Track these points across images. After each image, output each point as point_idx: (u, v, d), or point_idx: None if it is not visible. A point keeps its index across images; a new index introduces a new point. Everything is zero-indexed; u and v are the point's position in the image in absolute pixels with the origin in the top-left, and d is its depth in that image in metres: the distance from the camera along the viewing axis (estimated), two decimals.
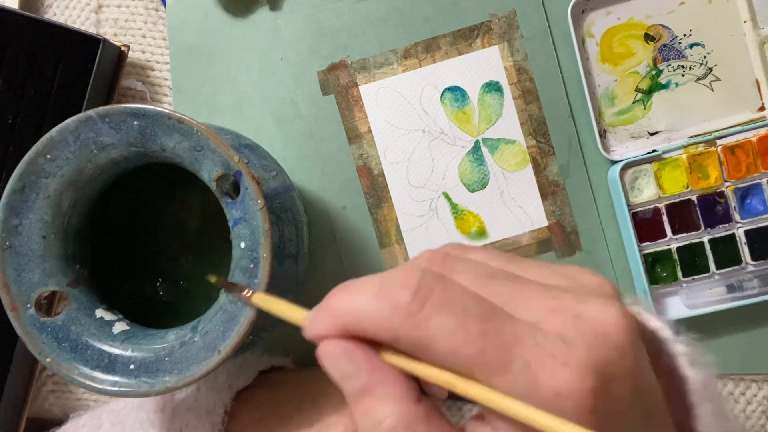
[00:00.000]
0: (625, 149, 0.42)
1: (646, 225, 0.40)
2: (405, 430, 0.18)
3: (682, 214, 0.40)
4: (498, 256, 0.21)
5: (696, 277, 0.40)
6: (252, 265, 0.26)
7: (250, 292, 0.26)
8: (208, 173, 0.27)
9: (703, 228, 0.40)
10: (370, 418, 0.19)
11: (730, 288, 0.40)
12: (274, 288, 0.31)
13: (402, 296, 0.18)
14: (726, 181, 0.40)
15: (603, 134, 0.42)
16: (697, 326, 0.31)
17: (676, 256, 0.40)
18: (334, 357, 0.21)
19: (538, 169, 0.42)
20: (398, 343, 0.18)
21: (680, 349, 0.21)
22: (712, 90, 0.41)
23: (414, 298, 0.18)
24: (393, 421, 0.18)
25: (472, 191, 0.42)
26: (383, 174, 0.42)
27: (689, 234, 0.40)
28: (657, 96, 0.42)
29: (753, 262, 0.40)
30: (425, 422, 0.18)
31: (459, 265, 0.19)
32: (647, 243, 0.40)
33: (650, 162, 0.40)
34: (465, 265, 0.19)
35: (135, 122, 0.27)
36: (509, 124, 0.42)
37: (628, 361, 0.18)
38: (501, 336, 0.17)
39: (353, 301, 0.19)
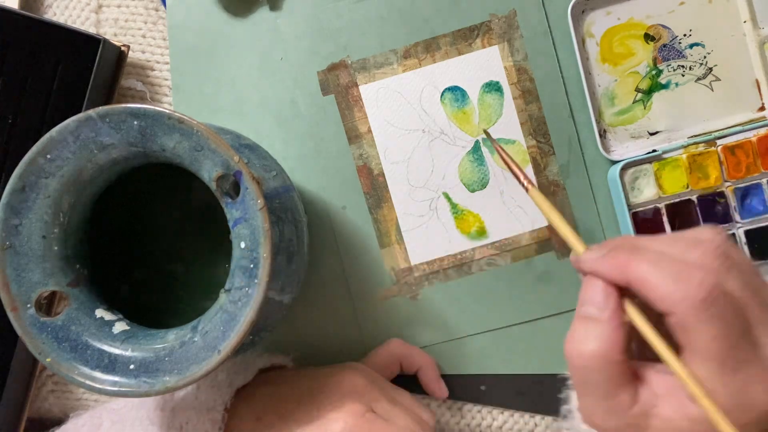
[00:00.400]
0: (625, 149, 0.42)
1: (646, 225, 0.40)
2: (599, 361, 0.24)
3: (682, 214, 0.40)
4: (756, 273, 0.25)
5: None
6: (252, 265, 0.27)
7: (529, 185, 0.32)
8: (208, 173, 0.27)
9: None
10: (582, 338, 0.24)
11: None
12: (274, 288, 0.31)
13: (698, 293, 0.22)
14: (726, 181, 0.40)
15: (603, 134, 0.42)
16: None
17: None
18: (593, 285, 0.25)
19: (538, 169, 0.42)
20: (666, 318, 0.23)
21: None
22: (712, 90, 0.41)
23: (705, 298, 0.22)
24: (594, 351, 0.24)
25: (472, 191, 0.42)
26: (383, 174, 0.42)
27: None
28: (657, 96, 0.42)
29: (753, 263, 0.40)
30: (614, 367, 0.24)
31: (735, 272, 0.24)
32: None
33: (650, 162, 0.40)
34: (738, 274, 0.24)
35: (135, 122, 0.27)
36: (509, 124, 0.42)
37: None
38: (741, 352, 0.22)
39: (651, 273, 0.23)
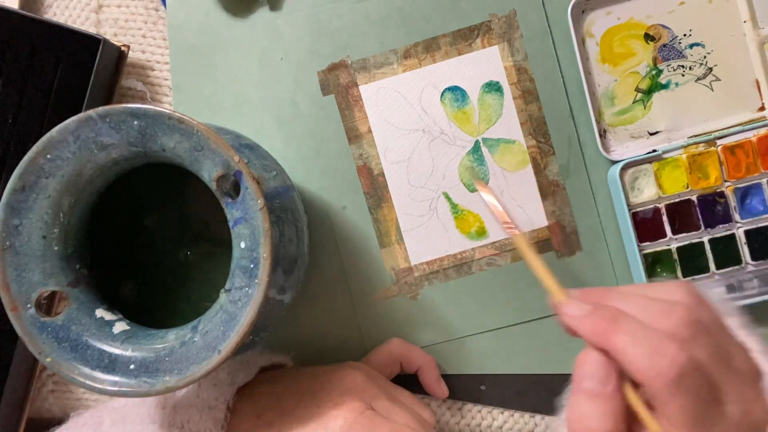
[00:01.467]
0: (625, 149, 0.42)
1: (646, 225, 0.40)
2: None
3: (682, 214, 0.40)
4: (722, 331, 0.28)
5: (696, 277, 0.40)
6: (252, 265, 0.27)
7: (517, 231, 0.36)
8: (209, 173, 0.27)
9: (703, 228, 0.40)
10: (588, 416, 0.26)
11: (730, 288, 0.40)
12: (274, 288, 0.31)
13: (670, 372, 0.25)
14: (726, 181, 0.40)
15: (603, 134, 0.42)
16: None
17: (676, 256, 0.40)
18: (592, 360, 0.27)
19: (538, 169, 0.42)
20: (641, 386, 0.26)
21: (755, 346, 0.28)
22: (712, 90, 0.41)
23: (676, 376, 0.25)
24: (601, 430, 0.26)
25: (473, 191, 0.42)
26: (383, 174, 0.42)
27: (689, 234, 0.40)
28: (657, 96, 0.42)
29: (753, 262, 0.40)
30: None
31: (702, 339, 0.26)
32: (647, 243, 0.40)
33: (650, 162, 0.40)
34: (705, 340, 0.26)
35: (135, 122, 0.27)
36: (509, 124, 0.42)
37: None
38: (708, 416, 0.25)
39: (629, 346, 0.26)
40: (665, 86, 0.42)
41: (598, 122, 0.41)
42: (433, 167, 0.42)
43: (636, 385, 0.27)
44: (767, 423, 0.26)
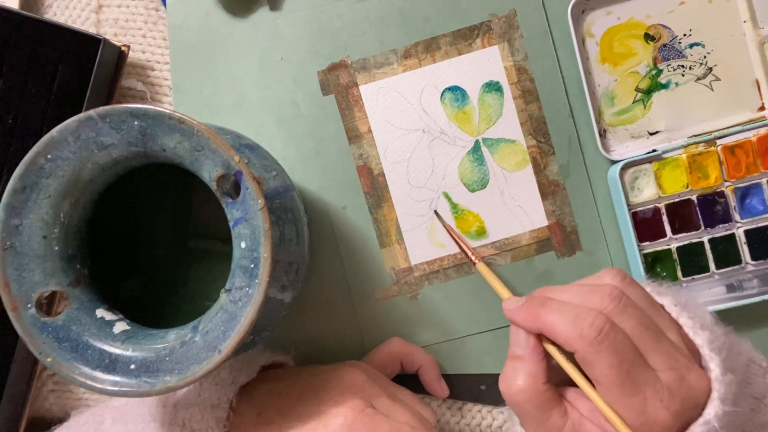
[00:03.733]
0: (625, 149, 0.42)
1: (646, 225, 0.40)
2: (527, 393, 0.29)
3: (682, 214, 0.40)
4: (652, 307, 0.30)
5: (696, 276, 0.40)
6: (252, 265, 0.27)
7: (477, 259, 0.39)
8: (209, 173, 0.27)
9: (703, 228, 0.40)
10: (511, 375, 0.30)
11: (730, 288, 0.40)
12: (274, 287, 0.31)
13: (590, 333, 0.27)
14: (726, 181, 0.40)
15: (603, 134, 0.42)
16: None
17: (676, 256, 0.40)
18: (518, 331, 0.31)
19: (538, 169, 0.42)
20: (575, 357, 0.28)
21: (686, 322, 0.30)
22: (712, 90, 0.41)
23: (596, 336, 0.27)
24: (521, 385, 0.29)
25: (472, 191, 0.42)
26: (383, 174, 0.42)
27: (689, 234, 0.40)
28: (657, 96, 0.42)
29: (753, 262, 0.40)
30: (540, 395, 0.29)
31: (629, 311, 0.28)
32: (647, 243, 0.40)
33: (650, 162, 0.40)
34: (632, 312, 0.28)
35: (135, 122, 0.27)
36: (509, 124, 0.42)
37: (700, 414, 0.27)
38: (637, 377, 0.27)
39: (555, 320, 0.29)
40: (665, 86, 0.42)
41: (598, 122, 0.41)
42: (433, 167, 0.42)
43: (571, 359, 0.29)
44: (705, 392, 0.27)
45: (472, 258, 0.40)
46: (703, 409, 0.27)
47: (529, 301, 0.31)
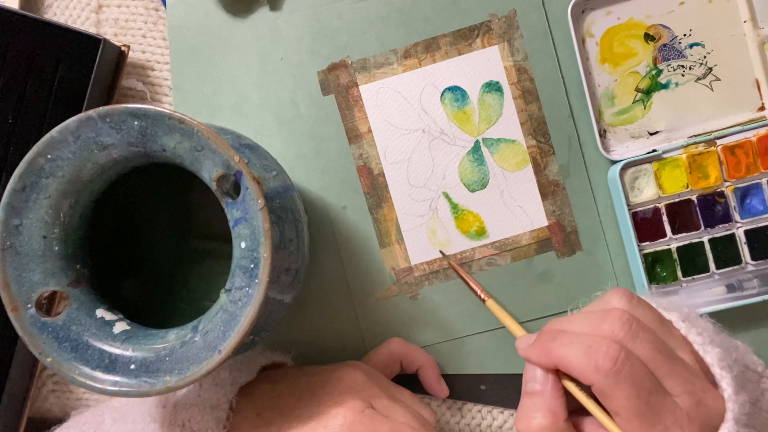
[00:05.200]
0: (625, 149, 0.42)
1: (646, 225, 0.40)
2: (548, 431, 0.28)
3: (682, 214, 0.40)
4: (662, 326, 0.29)
5: (696, 277, 0.40)
6: (252, 265, 0.27)
7: (486, 297, 0.39)
8: (209, 173, 0.27)
9: (703, 228, 0.40)
10: (530, 413, 0.29)
11: (730, 288, 0.40)
12: (274, 287, 0.31)
13: (605, 364, 0.26)
14: (726, 181, 0.40)
15: (603, 134, 0.42)
16: None
17: (676, 256, 0.40)
18: (533, 367, 0.30)
19: (538, 169, 0.42)
20: (590, 386, 0.28)
21: (695, 339, 0.29)
22: (712, 90, 0.41)
23: (612, 367, 0.26)
24: (542, 424, 0.28)
25: (472, 191, 0.42)
26: (383, 174, 0.42)
27: (689, 234, 0.40)
28: (657, 96, 0.42)
29: (753, 262, 0.40)
30: None
31: (641, 335, 0.28)
32: (647, 243, 0.40)
33: (650, 162, 0.40)
34: (645, 336, 0.28)
35: (135, 122, 0.27)
36: (509, 124, 0.42)
37: None
38: (656, 405, 0.26)
39: (567, 353, 0.28)
40: (665, 86, 0.42)
41: (598, 122, 0.41)
42: (433, 167, 0.42)
43: (587, 389, 0.28)
44: (721, 413, 0.27)
45: (482, 296, 0.39)
46: (717, 430, 0.27)
47: (541, 337, 0.30)
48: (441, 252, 0.41)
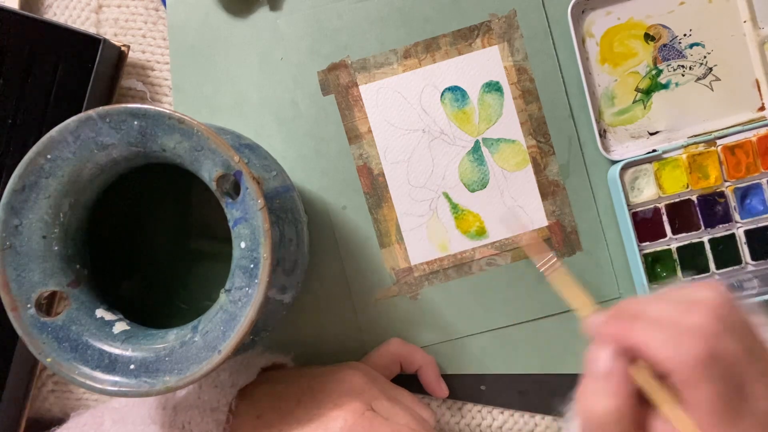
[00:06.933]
0: (625, 149, 0.42)
1: (646, 225, 0.40)
2: (614, 416, 0.26)
3: (682, 214, 0.40)
4: (752, 328, 0.27)
5: (696, 276, 0.40)
6: (252, 265, 0.27)
7: (557, 264, 0.37)
8: (209, 173, 0.27)
9: (703, 228, 0.40)
10: (595, 395, 0.26)
11: (730, 288, 0.40)
12: (274, 288, 0.31)
13: (693, 356, 0.25)
14: (726, 181, 0.40)
15: (603, 134, 0.42)
16: None
17: (676, 256, 0.40)
18: (601, 348, 0.27)
19: (538, 169, 0.42)
20: (663, 373, 0.26)
21: None
22: (712, 90, 0.41)
23: (702, 361, 0.25)
24: (608, 408, 0.26)
25: (472, 191, 0.42)
26: (383, 174, 0.42)
27: (689, 234, 0.40)
28: (657, 96, 0.42)
29: (753, 262, 0.40)
30: (626, 420, 0.26)
31: (734, 333, 0.26)
32: (647, 243, 0.40)
33: (650, 162, 0.40)
34: (737, 334, 0.26)
35: (135, 122, 0.27)
36: (509, 124, 0.42)
37: None
38: (738, 406, 0.25)
39: (651, 338, 0.26)
40: (665, 86, 0.42)
41: (598, 122, 0.41)
42: (433, 167, 0.42)
43: (662, 378, 0.27)
44: None
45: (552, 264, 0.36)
46: None
47: (618, 315, 0.28)
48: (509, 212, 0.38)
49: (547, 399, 0.42)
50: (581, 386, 0.28)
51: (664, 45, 0.41)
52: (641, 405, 0.28)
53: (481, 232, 0.42)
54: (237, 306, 0.27)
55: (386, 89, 0.42)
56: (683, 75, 0.41)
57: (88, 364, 0.28)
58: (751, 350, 0.26)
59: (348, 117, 0.42)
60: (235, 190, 0.27)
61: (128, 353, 0.28)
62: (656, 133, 0.42)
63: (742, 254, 0.40)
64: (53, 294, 0.29)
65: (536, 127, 0.42)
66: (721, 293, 0.28)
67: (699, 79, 0.41)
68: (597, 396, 0.27)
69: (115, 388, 0.27)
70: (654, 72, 0.42)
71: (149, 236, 0.37)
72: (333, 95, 0.42)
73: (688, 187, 0.40)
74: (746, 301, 0.30)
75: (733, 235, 0.40)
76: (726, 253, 0.40)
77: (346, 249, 0.42)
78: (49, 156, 0.27)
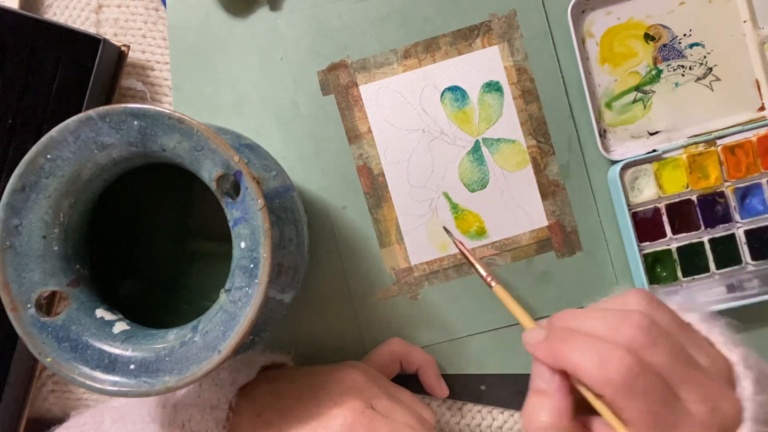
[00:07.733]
0: (625, 149, 0.42)
1: (646, 225, 0.40)
2: (552, 431, 0.27)
3: (682, 214, 0.40)
4: (681, 329, 0.28)
5: (696, 277, 0.40)
6: (252, 265, 0.27)
7: (494, 281, 0.37)
8: (209, 173, 0.27)
9: (703, 228, 0.40)
10: (536, 411, 0.28)
11: (730, 288, 0.40)
12: (274, 287, 0.31)
13: (618, 376, 0.26)
14: (726, 181, 0.40)
15: (603, 134, 0.42)
16: None
17: (676, 256, 0.40)
18: (541, 366, 0.29)
19: (538, 169, 0.42)
20: (600, 394, 0.27)
21: (717, 339, 0.29)
22: (712, 90, 0.41)
23: (625, 380, 0.25)
24: (546, 422, 0.28)
25: (472, 191, 0.42)
26: (383, 174, 0.42)
27: (689, 234, 0.40)
28: (657, 96, 0.42)
29: (753, 262, 0.40)
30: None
31: (659, 342, 0.27)
32: (647, 243, 0.40)
33: (650, 162, 0.40)
34: (663, 342, 0.27)
35: (135, 122, 0.27)
36: (509, 124, 0.42)
37: None
38: (670, 417, 0.26)
39: (579, 360, 0.27)
40: (665, 86, 0.42)
41: (598, 122, 0.41)
42: (433, 167, 0.42)
43: (599, 397, 0.28)
44: (738, 421, 0.26)
45: (488, 280, 0.37)
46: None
47: (551, 336, 0.29)
48: (444, 228, 0.41)
49: None
50: (525, 402, 0.29)
51: (664, 45, 0.41)
52: (586, 411, 0.29)
53: (481, 232, 0.42)
54: (237, 306, 0.27)
55: (386, 89, 0.42)
56: (683, 75, 0.41)
57: (88, 364, 0.28)
58: (679, 355, 0.27)
59: (348, 117, 0.42)
60: (235, 190, 0.27)
61: (128, 353, 0.28)
62: (656, 133, 0.42)
63: (742, 254, 0.40)
64: (53, 294, 0.29)
65: (536, 127, 0.42)
66: (647, 300, 0.28)
67: (699, 79, 0.41)
68: (538, 412, 0.28)
69: (115, 388, 0.27)
70: (654, 72, 0.42)
71: (149, 236, 0.37)
72: (333, 95, 0.42)
73: (688, 187, 0.40)
74: (677, 299, 0.31)
75: (733, 235, 0.40)
76: (726, 253, 0.40)
77: (346, 249, 0.42)
78: (49, 156, 0.27)
